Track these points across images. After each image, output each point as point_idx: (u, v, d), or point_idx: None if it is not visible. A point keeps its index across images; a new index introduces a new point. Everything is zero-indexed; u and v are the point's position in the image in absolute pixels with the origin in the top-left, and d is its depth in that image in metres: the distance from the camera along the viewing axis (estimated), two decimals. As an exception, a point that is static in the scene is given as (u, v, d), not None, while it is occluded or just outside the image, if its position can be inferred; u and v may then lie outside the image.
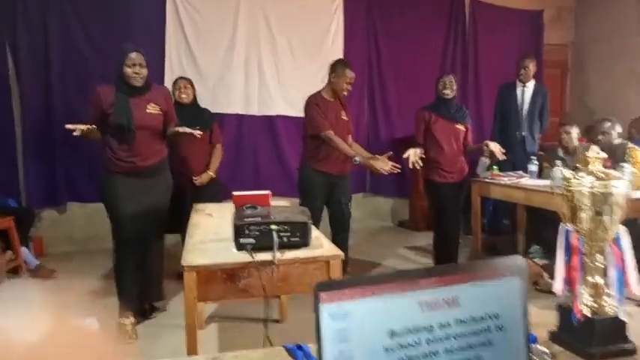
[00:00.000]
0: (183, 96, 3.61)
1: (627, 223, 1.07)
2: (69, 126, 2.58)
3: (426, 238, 5.06)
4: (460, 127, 3.60)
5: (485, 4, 6.00)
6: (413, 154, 3.38)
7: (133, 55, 2.72)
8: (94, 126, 2.65)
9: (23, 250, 3.89)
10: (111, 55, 4.61)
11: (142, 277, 2.94)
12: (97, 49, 4.69)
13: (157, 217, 2.94)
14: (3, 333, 0.42)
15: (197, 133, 2.91)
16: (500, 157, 3.60)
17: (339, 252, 1.74)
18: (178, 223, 3.54)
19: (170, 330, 2.82)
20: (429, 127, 3.57)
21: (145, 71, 2.77)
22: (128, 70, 2.71)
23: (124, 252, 2.85)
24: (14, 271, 3.83)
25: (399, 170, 3.22)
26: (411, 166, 3.39)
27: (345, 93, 3.42)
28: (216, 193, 3.74)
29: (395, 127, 5.79)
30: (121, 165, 2.77)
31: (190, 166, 3.60)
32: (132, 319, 2.82)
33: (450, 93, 3.54)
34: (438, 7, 5.86)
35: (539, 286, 3.48)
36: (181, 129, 2.83)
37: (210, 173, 3.68)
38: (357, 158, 3.23)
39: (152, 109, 2.81)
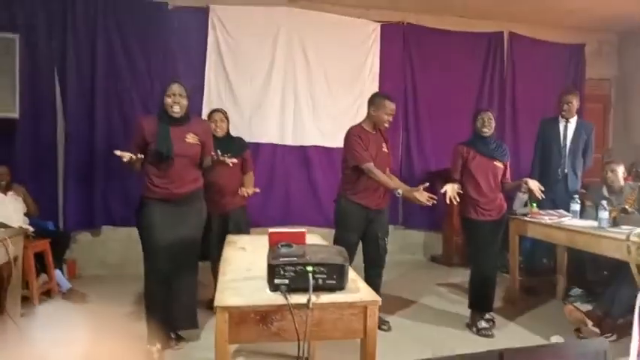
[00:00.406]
0: (218, 130, 3.63)
1: None
2: (118, 152, 2.68)
3: (460, 275, 4.92)
4: (499, 164, 3.49)
5: (525, 38, 5.93)
6: (451, 189, 3.29)
7: (174, 86, 2.87)
8: (140, 156, 2.76)
9: (57, 272, 3.95)
10: (153, 86, 4.82)
11: (171, 305, 2.93)
12: (140, 79, 4.87)
13: (189, 247, 2.96)
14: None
15: (230, 161, 3.02)
16: (539, 195, 3.46)
17: (377, 298, 1.66)
18: (205, 250, 3.58)
19: (198, 364, 2.77)
20: (467, 163, 3.47)
21: (184, 102, 2.89)
22: (168, 100, 2.85)
23: (154, 280, 2.87)
24: (47, 294, 3.88)
25: (435, 202, 3.13)
26: (448, 201, 3.29)
27: (387, 125, 3.39)
28: (243, 222, 3.75)
29: (429, 160, 5.71)
30: (157, 191, 2.85)
31: (221, 194, 3.60)
32: (159, 346, 2.84)
33: (488, 131, 3.45)
34: (476, 40, 5.82)
35: (581, 334, 3.29)
36: (215, 155, 2.92)
37: (253, 189, 3.71)
38: (399, 191, 3.16)
39: (191, 139, 2.91)
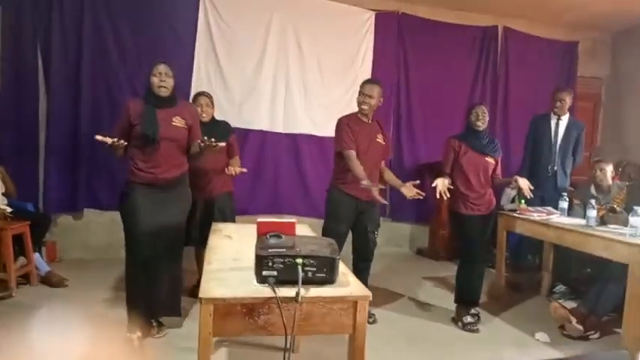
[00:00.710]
0: (204, 115, 3.50)
1: None
2: (99, 137, 2.59)
3: (446, 269, 4.93)
4: (490, 160, 3.45)
5: (519, 33, 5.90)
6: (441, 184, 3.24)
7: (160, 66, 2.80)
8: (123, 142, 2.67)
9: (35, 255, 3.84)
10: (141, 67, 4.67)
11: (152, 292, 2.86)
12: (128, 60, 4.72)
13: (173, 233, 2.89)
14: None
15: (219, 144, 2.84)
16: (528, 194, 3.44)
17: (368, 292, 1.61)
18: (188, 236, 3.50)
19: (181, 354, 2.71)
20: (458, 157, 3.42)
21: (171, 81, 2.81)
22: (155, 80, 2.77)
23: (136, 267, 2.80)
24: (25, 277, 3.78)
25: (422, 197, 3.11)
26: (438, 196, 3.24)
27: (363, 107, 3.26)
28: (228, 208, 3.67)
29: (419, 152, 5.69)
30: (141, 175, 2.77)
31: (206, 179, 3.51)
32: (139, 334, 2.78)
33: (482, 125, 3.40)
34: (470, 34, 5.77)
35: (565, 331, 3.30)
36: (202, 142, 2.76)
37: (240, 168, 3.55)
38: (364, 182, 3.05)
39: (178, 122, 2.84)
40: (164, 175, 2.80)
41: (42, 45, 4.49)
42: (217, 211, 3.55)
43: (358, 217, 3.35)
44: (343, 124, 3.28)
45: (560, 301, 3.91)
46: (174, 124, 2.81)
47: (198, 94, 3.67)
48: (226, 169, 3.52)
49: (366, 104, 3.26)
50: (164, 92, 2.79)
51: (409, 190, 3.10)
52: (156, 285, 2.87)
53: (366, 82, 3.36)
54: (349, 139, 3.21)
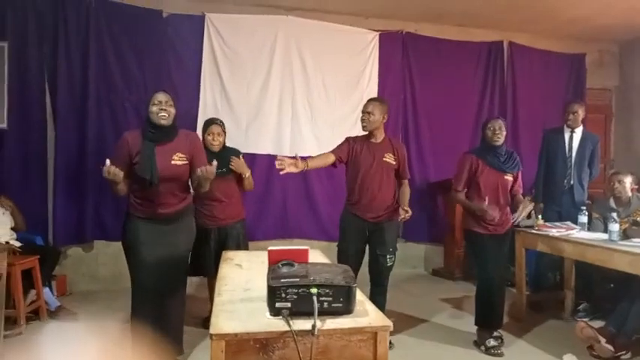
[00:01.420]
0: (215, 143, 3.39)
1: None
2: (108, 162, 2.41)
3: (463, 289, 4.80)
4: (509, 177, 3.32)
5: (525, 47, 5.86)
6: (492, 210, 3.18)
7: (159, 94, 2.66)
8: (120, 171, 2.46)
9: (45, 290, 3.78)
10: (147, 95, 4.64)
11: (159, 328, 2.73)
12: (134, 88, 4.74)
13: (176, 265, 2.76)
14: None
15: (212, 166, 2.63)
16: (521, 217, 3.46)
17: (388, 322, 1.52)
18: (202, 265, 3.43)
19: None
20: (475, 175, 3.29)
21: (172, 110, 2.67)
22: (154, 109, 2.62)
23: (142, 301, 2.68)
24: (35, 312, 3.71)
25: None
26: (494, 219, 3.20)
27: (364, 125, 3.24)
28: (242, 236, 3.57)
29: (428, 170, 5.61)
30: (141, 210, 2.68)
31: (218, 208, 3.42)
32: None
33: (499, 140, 3.27)
34: (475, 49, 5.74)
35: (594, 352, 3.15)
36: (201, 171, 2.57)
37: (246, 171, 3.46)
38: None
39: (178, 159, 2.67)
40: (164, 210, 2.68)
41: (49, 78, 4.52)
42: (231, 239, 3.45)
43: (369, 240, 3.28)
44: (345, 138, 3.34)
45: (585, 319, 3.77)
46: (173, 162, 2.65)
47: (211, 122, 3.51)
48: (230, 164, 3.38)
49: (365, 121, 3.22)
50: (164, 121, 2.62)
51: (402, 213, 3.17)
52: (162, 320, 2.72)
53: (368, 100, 3.36)
54: (339, 149, 3.24)
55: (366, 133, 3.28)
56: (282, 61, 5.10)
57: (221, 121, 3.56)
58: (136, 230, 2.66)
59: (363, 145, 3.25)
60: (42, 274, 3.74)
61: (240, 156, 3.53)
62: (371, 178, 3.22)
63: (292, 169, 2.73)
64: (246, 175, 3.46)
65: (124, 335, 2.95)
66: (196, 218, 3.04)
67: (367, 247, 3.34)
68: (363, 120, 3.25)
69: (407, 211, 3.18)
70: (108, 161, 2.42)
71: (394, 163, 3.29)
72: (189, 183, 2.84)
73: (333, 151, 3.22)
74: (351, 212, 3.28)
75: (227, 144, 3.73)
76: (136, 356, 2.51)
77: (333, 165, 3.22)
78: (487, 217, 3.17)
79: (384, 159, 3.25)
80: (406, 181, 3.41)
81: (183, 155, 2.68)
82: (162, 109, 2.61)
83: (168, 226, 2.70)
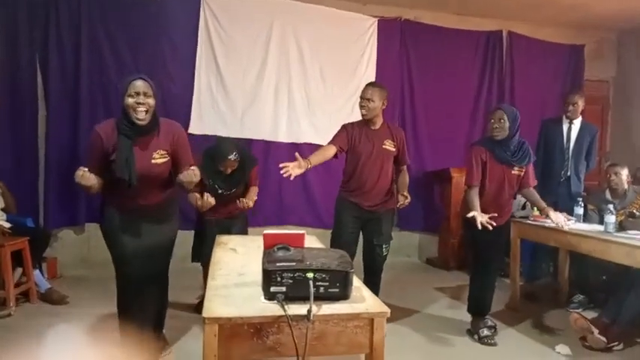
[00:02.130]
0: (228, 170, 3.24)
1: None
2: (79, 173, 2.22)
3: (457, 279, 4.80)
4: (516, 171, 3.18)
5: (524, 37, 5.81)
6: (480, 217, 2.94)
7: (138, 82, 2.27)
8: (95, 178, 2.29)
9: (35, 272, 3.73)
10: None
11: (140, 319, 2.58)
12: (126, 73, 4.60)
13: (158, 255, 2.59)
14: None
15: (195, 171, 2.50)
16: (564, 226, 3.27)
17: (386, 308, 1.49)
18: (200, 252, 3.42)
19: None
20: (483, 168, 3.14)
21: (151, 102, 2.29)
22: (130, 101, 2.25)
23: (124, 290, 2.55)
24: (24, 294, 3.66)
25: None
26: (480, 227, 2.93)
27: (363, 112, 3.17)
28: (246, 226, 3.58)
29: (425, 160, 5.58)
30: (118, 202, 2.46)
31: (223, 204, 3.32)
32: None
33: (498, 134, 3.07)
34: (474, 38, 5.69)
35: (587, 343, 3.15)
36: (182, 177, 2.38)
37: (254, 196, 3.37)
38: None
39: (159, 157, 2.40)
40: (145, 202, 2.47)
41: (40, 59, 4.43)
42: (234, 230, 3.37)
43: (364, 228, 3.26)
44: (342, 126, 3.25)
45: (578, 310, 3.78)
46: (154, 161, 2.38)
47: (226, 155, 3.17)
48: (238, 202, 3.30)
49: (365, 108, 3.15)
50: (142, 120, 2.27)
51: (401, 199, 3.21)
52: (143, 309, 2.59)
53: (366, 85, 3.25)
54: (336, 138, 3.17)
55: (364, 119, 3.22)
56: (279, 46, 5.02)
57: (238, 147, 3.30)
58: (113, 218, 2.46)
59: (362, 132, 3.19)
60: (32, 256, 3.69)
61: (255, 168, 3.47)
62: (371, 166, 3.18)
63: (297, 171, 2.67)
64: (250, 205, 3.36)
65: (112, 321, 2.92)
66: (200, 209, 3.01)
67: (362, 236, 3.31)
68: (362, 107, 3.17)
69: (406, 197, 3.16)
70: (83, 169, 2.23)
71: (394, 149, 3.25)
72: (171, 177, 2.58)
73: (333, 142, 3.14)
74: (347, 199, 3.24)
75: (222, 132, 3.61)
76: (121, 347, 2.44)
77: (335, 157, 3.14)
78: (475, 223, 2.96)
79: (384, 146, 3.21)
80: (405, 168, 3.37)
81: (164, 152, 2.41)
82: (140, 102, 2.25)
83: (149, 215, 2.50)
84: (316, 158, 2.95)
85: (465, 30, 5.64)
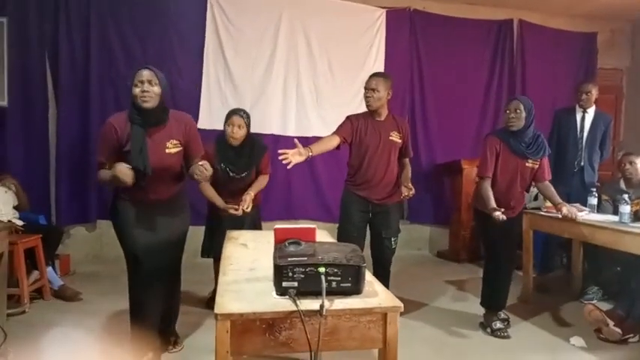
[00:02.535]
0: (235, 137, 3.18)
1: None
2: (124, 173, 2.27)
3: (469, 272, 4.77)
4: (530, 164, 3.13)
5: (535, 26, 5.72)
6: (500, 214, 2.93)
7: (144, 72, 2.35)
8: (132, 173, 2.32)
9: (48, 269, 3.76)
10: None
11: (155, 306, 2.60)
12: (136, 66, 4.57)
13: (171, 249, 2.61)
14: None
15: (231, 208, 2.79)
16: (576, 216, 3.21)
17: (399, 303, 1.48)
18: (212, 247, 3.41)
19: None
20: (497, 159, 3.10)
21: (156, 89, 2.36)
22: (136, 90, 2.33)
23: (136, 285, 2.55)
24: (38, 291, 3.70)
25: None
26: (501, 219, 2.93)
27: (369, 104, 3.12)
28: (257, 220, 3.54)
29: (435, 152, 5.54)
30: (131, 194, 2.46)
31: (233, 196, 3.28)
32: (150, 355, 2.54)
33: (514, 125, 3.03)
34: (484, 28, 5.61)
35: (602, 335, 3.11)
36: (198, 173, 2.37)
37: (251, 193, 3.26)
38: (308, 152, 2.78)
39: (172, 146, 2.46)
40: (156, 196, 2.49)
41: (50, 55, 4.46)
42: (246, 225, 3.32)
43: (372, 222, 3.23)
44: (347, 117, 3.20)
45: (592, 302, 3.74)
46: (168, 151, 2.43)
47: (233, 112, 3.25)
48: (234, 211, 3.23)
49: (371, 98, 3.10)
50: (147, 103, 2.33)
51: (405, 191, 3.14)
52: (155, 304, 2.59)
53: (370, 75, 3.19)
54: (340, 129, 3.12)
55: (369, 110, 3.18)
56: (287, 40, 5.00)
57: (245, 113, 3.28)
58: (126, 212, 2.47)
59: (368, 123, 3.15)
60: (45, 253, 3.71)
61: (266, 154, 3.41)
62: (378, 158, 3.15)
63: (297, 159, 2.59)
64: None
65: (124, 316, 2.94)
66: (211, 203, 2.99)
67: (370, 229, 3.29)
68: (367, 98, 3.13)
69: (410, 189, 3.13)
70: (126, 166, 2.27)
71: (399, 141, 3.22)
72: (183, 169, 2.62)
73: (337, 133, 3.09)
74: (354, 193, 3.21)
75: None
76: (136, 337, 2.44)
77: (337, 147, 3.09)
78: (493, 216, 2.95)
79: (390, 137, 3.18)
80: (407, 159, 3.35)
81: (177, 142, 2.47)
82: (144, 90, 2.32)
83: (161, 209, 2.52)
84: (318, 147, 2.90)
85: (476, 19, 5.57)
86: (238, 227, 3.25)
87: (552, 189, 3.27)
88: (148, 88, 2.33)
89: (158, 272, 2.51)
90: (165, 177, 2.48)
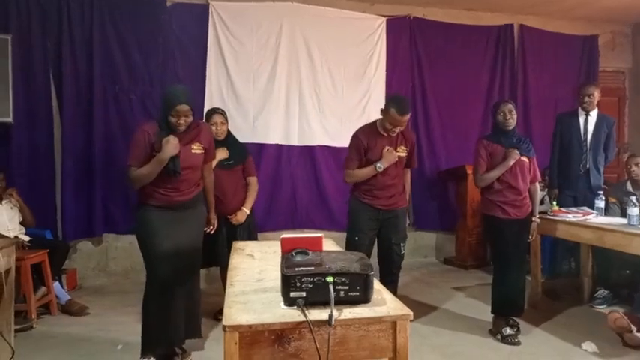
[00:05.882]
0: (219, 134, 3.40)
1: None
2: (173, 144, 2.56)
3: (476, 278, 4.75)
4: (525, 160, 3.21)
5: (536, 30, 5.73)
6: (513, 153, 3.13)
7: (181, 107, 2.55)
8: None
9: (55, 284, 3.76)
10: (153, 88, 4.68)
11: (172, 317, 2.70)
12: (139, 80, 4.69)
13: (191, 253, 2.76)
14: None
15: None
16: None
17: (408, 311, 1.46)
18: (214, 256, 3.41)
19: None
20: (493, 159, 3.19)
21: (190, 119, 2.63)
22: (172, 120, 2.57)
23: (156, 290, 2.66)
24: (45, 306, 3.69)
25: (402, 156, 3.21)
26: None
27: (391, 134, 3.15)
28: (252, 226, 3.59)
29: (439, 158, 5.52)
30: (157, 197, 2.64)
31: (225, 201, 3.38)
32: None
33: (511, 124, 3.19)
34: (485, 33, 5.62)
35: (625, 341, 3.05)
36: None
37: (246, 210, 3.45)
38: (379, 165, 3.11)
39: (197, 148, 2.72)
40: (180, 198, 2.69)
41: (53, 72, 4.49)
42: (241, 228, 3.45)
43: (381, 229, 3.24)
44: (353, 137, 3.25)
45: (601, 306, 3.71)
46: (193, 151, 2.70)
47: (212, 112, 3.52)
48: (230, 219, 3.41)
49: (393, 132, 3.14)
50: (182, 130, 2.62)
51: (390, 154, 3.15)
52: (176, 308, 2.72)
53: (398, 109, 3.05)
54: (351, 160, 3.20)
55: (380, 124, 3.19)
56: (289, 50, 5.02)
57: (222, 110, 3.58)
58: (151, 221, 2.64)
59: (376, 139, 3.18)
60: (52, 268, 3.72)
61: (251, 157, 3.63)
62: (384, 174, 3.18)
63: None
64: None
65: (132, 328, 2.93)
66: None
67: (378, 237, 3.29)
68: (392, 132, 3.13)
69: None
70: (173, 137, 2.54)
71: (405, 154, 3.27)
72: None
73: (349, 165, 3.22)
74: (362, 201, 3.23)
75: (235, 135, 3.67)
76: (146, 343, 2.46)
77: None
78: (513, 157, 3.10)
79: (398, 153, 3.21)
80: (409, 170, 3.40)
81: (200, 145, 2.73)
82: (180, 123, 2.57)
83: (184, 213, 2.70)
84: (368, 169, 3.16)
85: (476, 25, 5.58)
86: (233, 230, 3.43)
87: (537, 195, 3.40)
88: (183, 122, 2.58)
89: (181, 277, 2.70)
90: (190, 176, 2.69)
